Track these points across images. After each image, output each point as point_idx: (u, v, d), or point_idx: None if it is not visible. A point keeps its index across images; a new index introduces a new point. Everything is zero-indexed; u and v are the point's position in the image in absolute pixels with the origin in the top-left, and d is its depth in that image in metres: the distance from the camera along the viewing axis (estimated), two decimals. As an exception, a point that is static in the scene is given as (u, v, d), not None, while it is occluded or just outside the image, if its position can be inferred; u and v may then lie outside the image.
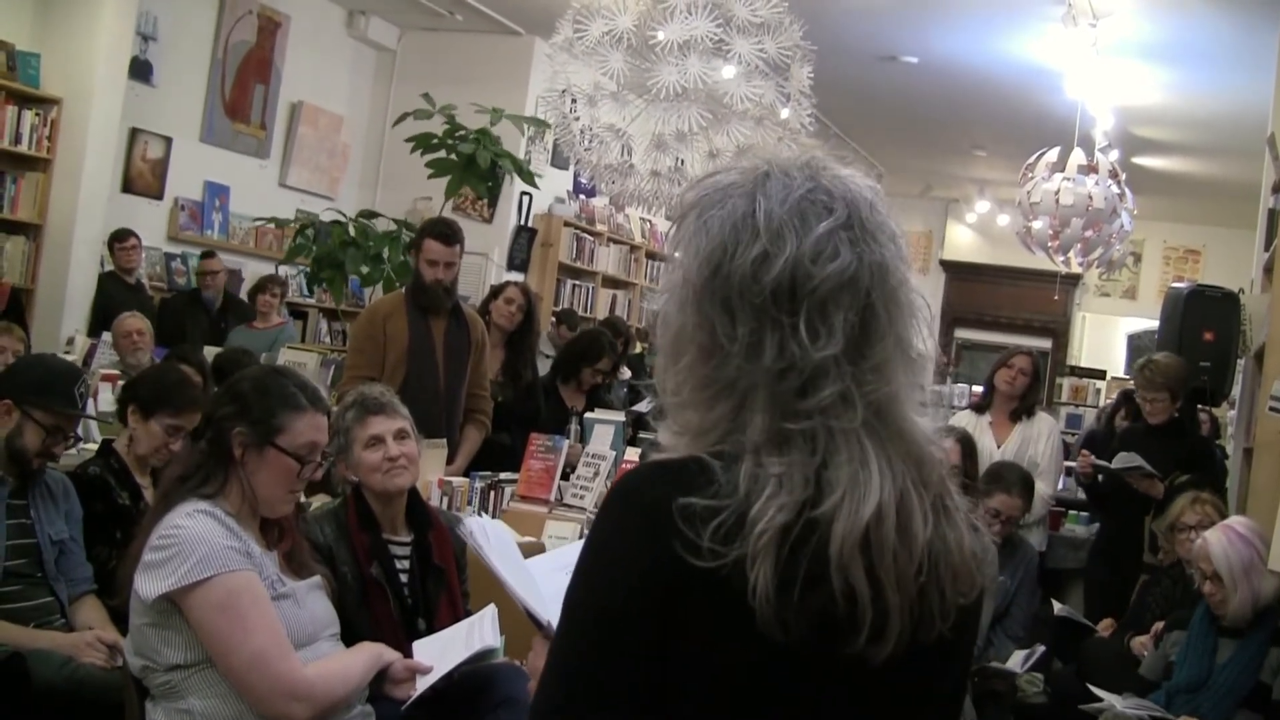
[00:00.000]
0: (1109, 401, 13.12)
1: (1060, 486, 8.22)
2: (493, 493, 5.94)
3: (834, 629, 1.56)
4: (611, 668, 1.58)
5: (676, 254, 1.71)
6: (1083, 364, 18.68)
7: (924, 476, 1.64)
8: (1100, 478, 7.44)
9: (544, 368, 9.07)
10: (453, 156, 8.78)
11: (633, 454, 6.08)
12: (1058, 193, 10.13)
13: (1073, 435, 11.90)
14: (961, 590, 1.65)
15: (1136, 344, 19.63)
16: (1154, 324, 11.20)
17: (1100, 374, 17.02)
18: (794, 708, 1.60)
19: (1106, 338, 20.26)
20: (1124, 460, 7.20)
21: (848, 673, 1.60)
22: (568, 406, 7.66)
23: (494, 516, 5.80)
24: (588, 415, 6.93)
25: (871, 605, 1.56)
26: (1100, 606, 7.27)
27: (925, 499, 1.62)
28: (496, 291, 8.15)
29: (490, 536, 2.16)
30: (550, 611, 2.01)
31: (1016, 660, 6.23)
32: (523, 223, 13.75)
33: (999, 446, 7.55)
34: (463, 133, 8.80)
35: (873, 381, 1.63)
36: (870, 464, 1.59)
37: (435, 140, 8.85)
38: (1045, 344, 18.87)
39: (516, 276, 12.90)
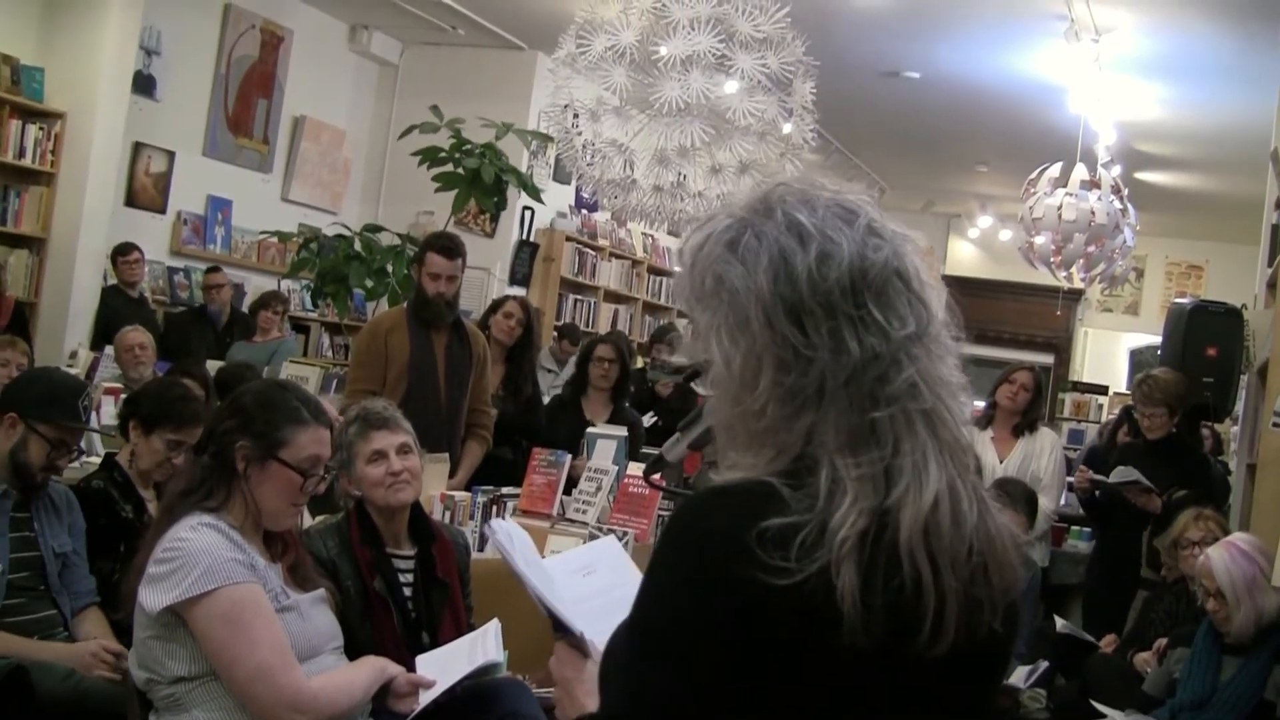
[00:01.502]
0: (1111, 417, 13.11)
1: (1063, 502, 8.21)
2: (495, 507, 5.92)
3: (904, 623, 1.58)
4: (689, 699, 1.57)
5: (715, 290, 1.71)
6: (1085, 379, 18.67)
7: (964, 462, 1.68)
8: (1097, 493, 7.45)
9: (545, 382, 9.07)
10: (459, 171, 8.78)
11: (636, 469, 6.06)
12: (1060, 208, 10.13)
13: (1075, 451, 11.87)
14: (1006, 580, 1.68)
15: (1139, 359, 19.55)
16: (1156, 339, 11.19)
17: (1103, 389, 17.01)
18: (871, 712, 1.63)
19: (1109, 353, 20.21)
20: (1122, 474, 7.21)
21: (915, 672, 1.62)
22: (587, 419, 7.62)
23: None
24: (590, 430, 6.92)
25: (934, 591, 1.58)
26: (1098, 621, 7.27)
27: (968, 485, 1.66)
28: (496, 306, 8.15)
29: (515, 540, 2.16)
30: (578, 618, 2.00)
31: (1019, 676, 6.22)
32: (525, 237, 13.75)
33: (1001, 462, 7.55)
34: (469, 147, 8.80)
35: (929, 364, 1.68)
36: (927, 451, 1.63)
37: (442, 154, 8.85)
38: (1048, 359, 18.84)
39: (518, 291, 12.90)
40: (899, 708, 1.64)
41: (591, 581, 2.28)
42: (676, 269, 1.83)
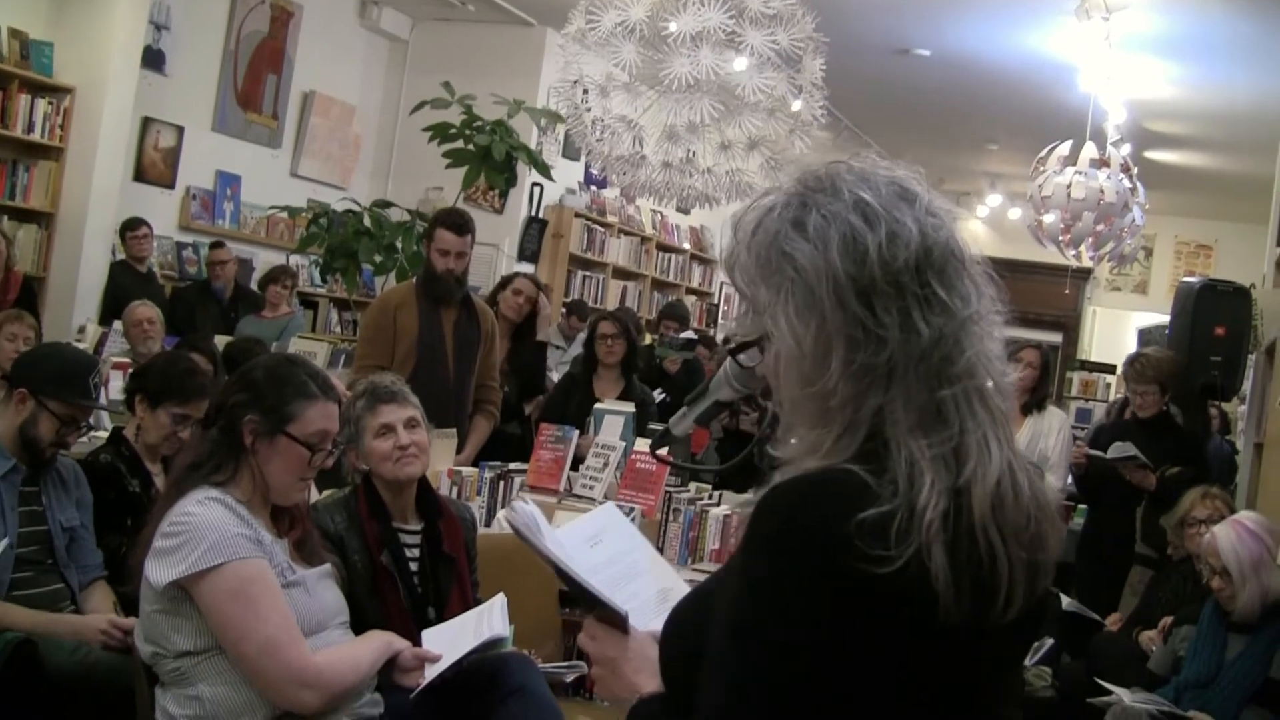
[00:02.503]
0: (1118, 396, 13.10)
1: (1069, 481, 8.21)
2: (502, 483, 5.93)
3: (983, 594, 1.63)
4: (790, 697, 1.59)
5: (780, 268, 1.72)
6: (1093, 358, 18.66)
7: (1010, 433, 1.72)
8: (1091, 470, 7.48)
9: (553, 358, 9.07)
10: (469, 147, 8.77)
11: (643, 445, 6.06)
12: (1069, 186, 10.11)
13: (1083, 429, 11.87)
14: (1057, 542, 1.73)
15: (1147, 338, 19.52)
16: (1165, 319, 11.17)
17: (1110, 368, 16.98)
18: (961, 682, 1.68)
19: (1117, 332, 20.17)
20: (1119, 450, 7.24)
21: (991, 636, 1.67)
22: (597, 397, 7.61)
23: (502, 506, 5.81)
24: (597, 406, 6.91)
25: (1006, 562, 1.63)
26: (1094, 595, 7.27)
27: (1018, 456, 1.71)
28: (505, 282, 8.15)
29: (540, 524, 2.15)
30: (611, 593, 2.01)
31: (1025, 653, 6.22)
32: (534, 214, 13.74)
33: (1009, 440, 7.54)
34: (480, 123, 8.79)
35: (984, 341, 1.72)
36: (987, 428, 1.67)
37: (453, 130, 8.84)
38: (1056, 338, 18.80)
39: (527, 268, 12.91)
40: (978, 669, 1.70)
41: (600, 551, 2.27)
42: (728, 243, 1.81)
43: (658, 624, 1.94)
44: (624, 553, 2.29)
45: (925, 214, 1.72)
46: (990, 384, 1.70)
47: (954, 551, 1.58)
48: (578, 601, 2.05)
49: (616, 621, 1.98)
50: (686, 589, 2.11)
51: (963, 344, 1.68)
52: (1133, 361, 7.59)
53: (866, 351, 1.66)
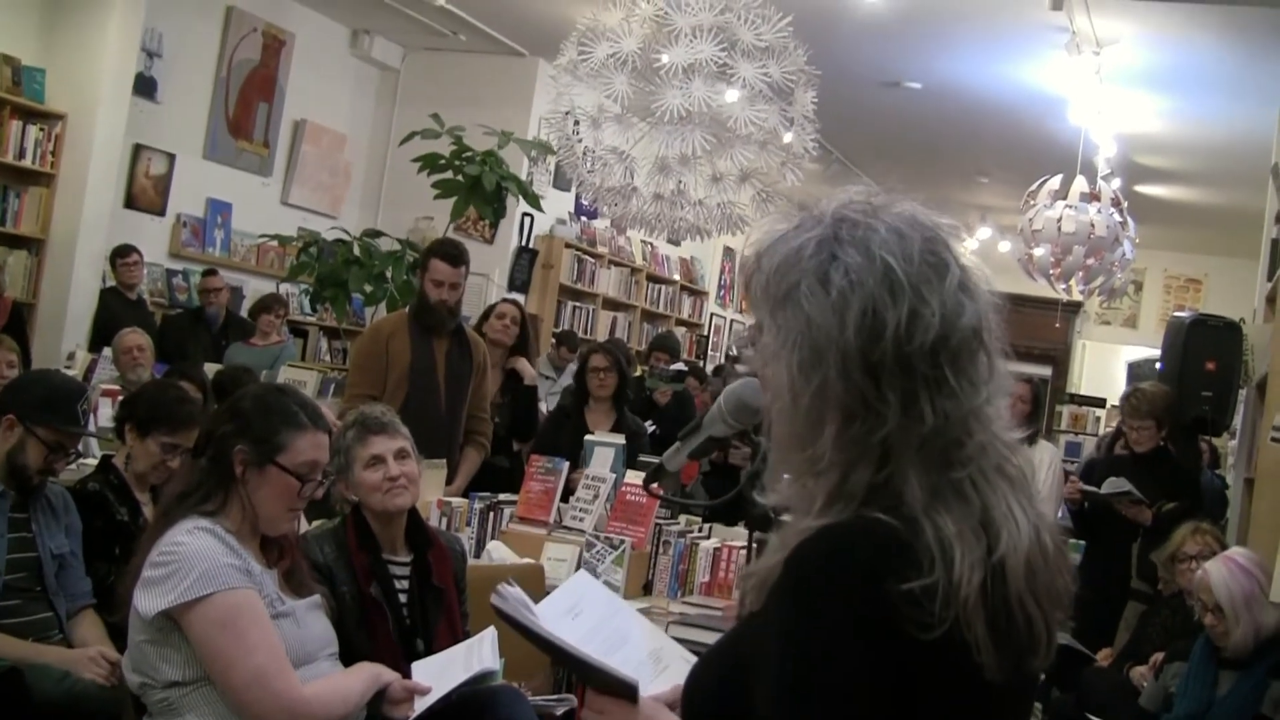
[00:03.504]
0: (1109, 430, 13.10)
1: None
2: (492, 514, 5.91)
3: (1023, 654, 1.65)
4: None
5: (794, 315, 1.68)
6: (1083, 392, 18.68)
7: (1029, 493, 1.71)
8: (1087, 504, 7.47)
9: (542, 389, 9.04)
10: (459, 178, 8.77)
11: (634, 477, 6.04)
12: (1060, 220, 10.13)
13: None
14: (1069, 589, 1.73)
15: (1137, 372, 19.56)
16: (1154, 352, 11.19)
17: (1100, 402, 17.03)
18: None
19: (1107, 366, 20.23)
20: (1113, 485, 7.24)
21: (1026, 684, 1.73)
22: (589, 430, 7.58)
23: (492, 538, 5.79)
24: (587, 438, 6.89)
25: (1043, 625, 1.66)
26: (1088, 631, 7.26)
27: (1040, 518, 1.70)
28: (488, 313, 8.14)
29: (530, 605, 2.11)
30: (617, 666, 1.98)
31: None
32: (524, 244, 13.75)
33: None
34: (469, 154, 8.80)
35: (995, 418, 1.71)
36: (1009, 500, 1.66)
37: (442, 161, 8.84)
38: (1045, 371, 18.81)
39: (517, 297, 12.89)
40: (1014, 712, 1.75)
41: (583, 622, 2.25)
42: (749, 267, 1.77)
43: (655, 687, 1.92)
44: (606, 618, 2.27)
45: (954, 291, 1.68)
46: (1007, 455, 1.70)
47: (994, 625, 1.59)
48: (580, 677, 2.01)
49: (623, 691, 1.94)
50: (676, 647, 2.09)
51: (971, 429, 1.66)
52: (1129, 397, 7.60)
53: (863, 426, 1.64)
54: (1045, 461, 7.68)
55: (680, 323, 17.35)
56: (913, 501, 1.62)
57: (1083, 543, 8.60)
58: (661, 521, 5.80)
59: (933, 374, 1.64)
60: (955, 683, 1.59)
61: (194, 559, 3.26)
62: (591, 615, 2.26)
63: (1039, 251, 10.48)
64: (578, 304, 14.90)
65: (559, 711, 4.11)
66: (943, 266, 1.68)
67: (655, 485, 2.54)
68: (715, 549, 5.70)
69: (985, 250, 19.40)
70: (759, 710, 1.62)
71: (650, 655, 2.14)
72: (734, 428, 2.11)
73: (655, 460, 6.46)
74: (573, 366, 11.84)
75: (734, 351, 17.12)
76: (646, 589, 5.65)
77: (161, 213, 11.74)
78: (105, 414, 6.82)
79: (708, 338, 18.45)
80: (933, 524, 1.60)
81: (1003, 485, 1.66)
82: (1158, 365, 9.72)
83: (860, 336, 1.63)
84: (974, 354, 1.68)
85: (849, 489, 1.65)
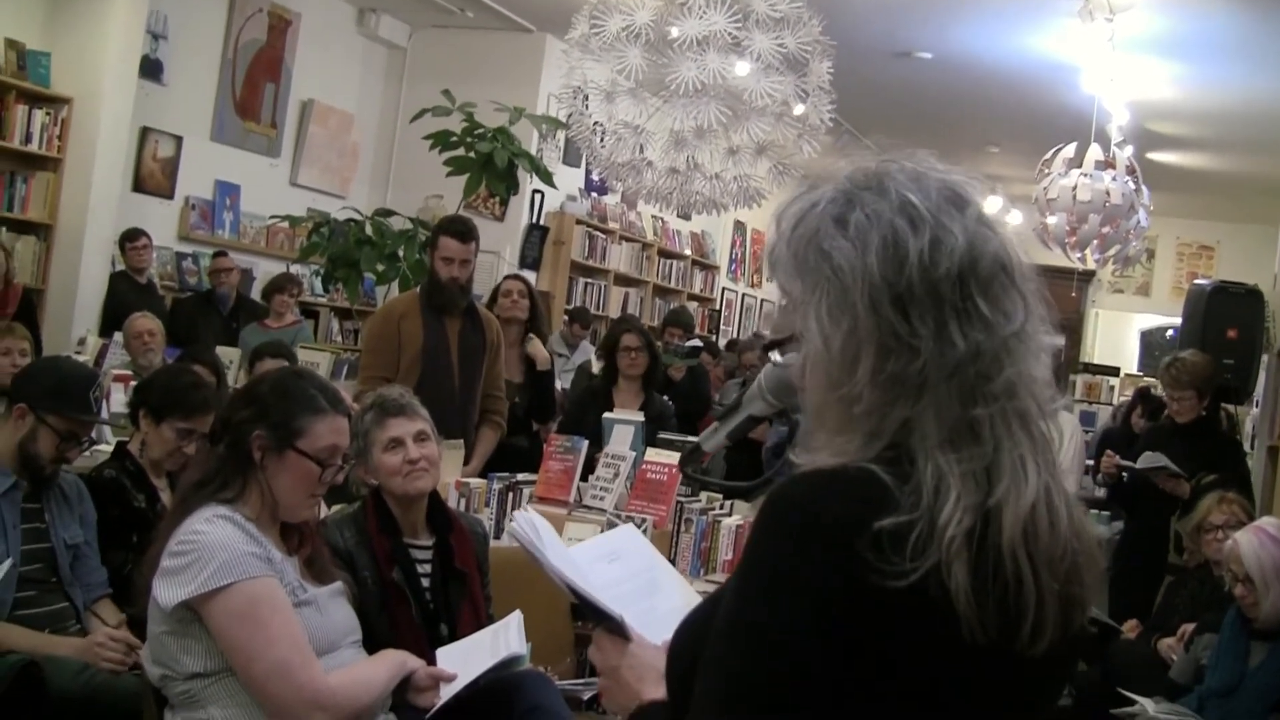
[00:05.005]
0: (1124, 399, 13.05)
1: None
2: (511, 494, 5.85)
3: (1008, 620, 1.55)
4: (791, 697, 1.51)
5: (817, 265, 1.65)
6: (1096, 361, 18.61)
7: (1051, 459, 1.64)
8: (1125, 477, 7.39)
9: (556, 366, 8.98)
10: (471, 155, 8.72)
11: (654, 454, 5.99)
12: (1075, 189, 10.04)
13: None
14: (1095, 576, 1.66)
15: (1149, 340, 19.58)
16: (1167, 320, 11.15)
17: (1114, 371, 16.95)
18: (979, 703, 1.60)
19: (1120, 334, 20.18)
20: (1149, 460, 7.16)
21: (1016, 669, 1.60)
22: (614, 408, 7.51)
23: (510, 519, 5.74)
24: (606, 415, 6.83)
25: (1034, 591, 1.56)
26: (1126, 607, 7.20)
27: (1057, 483, 1.63)
28: (495, 294, 8.09)
29: (539, 530, 2.10)
30: (613, 603, 1.97)
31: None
32: (535, 221, 13.69)
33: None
34: (481, 131, 8.74)
35: (1026, 362, 1.64)
36: (1025, 451, 1.59)
37: (454, 138, 8.78)
38: (1059, 341, 18.70)
39: (528, 274, 12.84)
40: (1002, 699, 1.63)
41: (617, 567, 2.24)
42: (770, 235, 1.74)
43: None
44: (642, 570, 2.26)
45: (976, 223, 1.65)
46: (1034, 407, 1.63)
47: (977, 572, 1.50)
48: (585, 615, 2.00)
49: (617, 630, 1.95)
50: None
51: (1002, 362, 1.60)
52: (1169, 366, 7.48)
53: (898, 361, 1.59)
54: (1065, 433, 7.58)
55: (692, 297, 17.32)
56: (926, 435, 1.57)
57: (1105, 513, 8.56)
58: (683, 499, 5.75)
59: (963, 304, 1.60)
60: (930, 644, 1.52)
61: (213, 548, 3.21)
62: (628, 565, 2.25)
63: (1054, 220, 10.40)
64: (589, 280, 14.85)
65: (586, 695, 4.06)
66: (961, 200, 1.66)
67: (693, 465, 2.49)
68: (737, 526, 5.65)
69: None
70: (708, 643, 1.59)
71: (680, 607, 2.10)
72: (774, 405, 2.06)
73: (675, 437, 6.41)
74: (586, 344, 11.83)
75: (765, 338, 17.17)
76: (668, 568, 5.60)
77: (170, 196, 11.70)
78: (118, 400, 6.77)
79: (720, 312, 18.39)
80: (934, 463, 1.55)
81: (1024, 439, 1.59)
82: (1169, 333, 9.67)
83: (883, 266, 1.60)
84: (1006, 286, 1.64)
85: (883, 429, 1.60)
